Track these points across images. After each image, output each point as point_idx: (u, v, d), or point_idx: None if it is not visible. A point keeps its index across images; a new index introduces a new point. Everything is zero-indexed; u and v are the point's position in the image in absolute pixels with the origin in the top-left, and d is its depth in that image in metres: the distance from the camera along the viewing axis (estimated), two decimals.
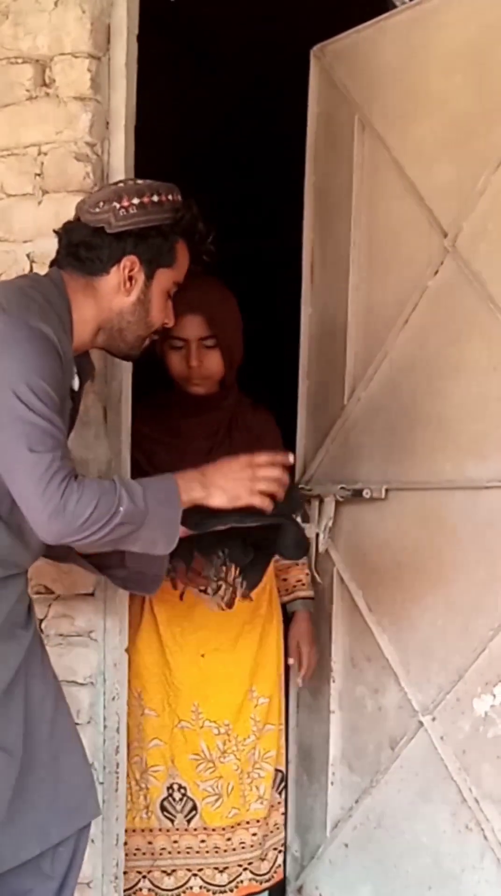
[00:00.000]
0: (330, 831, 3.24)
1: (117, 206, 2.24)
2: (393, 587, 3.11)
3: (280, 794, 3.10)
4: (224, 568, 2.57)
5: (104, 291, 2.28)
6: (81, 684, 2.72)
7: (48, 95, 2.71)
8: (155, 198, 2.27)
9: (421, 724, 3.01)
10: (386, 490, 3.11)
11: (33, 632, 2.38)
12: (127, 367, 2.73)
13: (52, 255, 2.34)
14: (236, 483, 2.25)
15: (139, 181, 2.32)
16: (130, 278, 2.27)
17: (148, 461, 2.89)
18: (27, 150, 2.72)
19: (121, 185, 2.33)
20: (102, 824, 2.73)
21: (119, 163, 2.72)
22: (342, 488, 3.19)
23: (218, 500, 2.24)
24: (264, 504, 2.27)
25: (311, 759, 3.34)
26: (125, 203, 2.25)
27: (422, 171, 3.08)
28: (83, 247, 2.26)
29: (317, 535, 3.27)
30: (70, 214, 2.34)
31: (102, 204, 2.25)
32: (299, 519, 2.65)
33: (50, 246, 2.33)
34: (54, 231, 2.35)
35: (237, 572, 2.55)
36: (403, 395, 3.11)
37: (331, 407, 3.33)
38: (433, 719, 2.98)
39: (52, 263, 2.34)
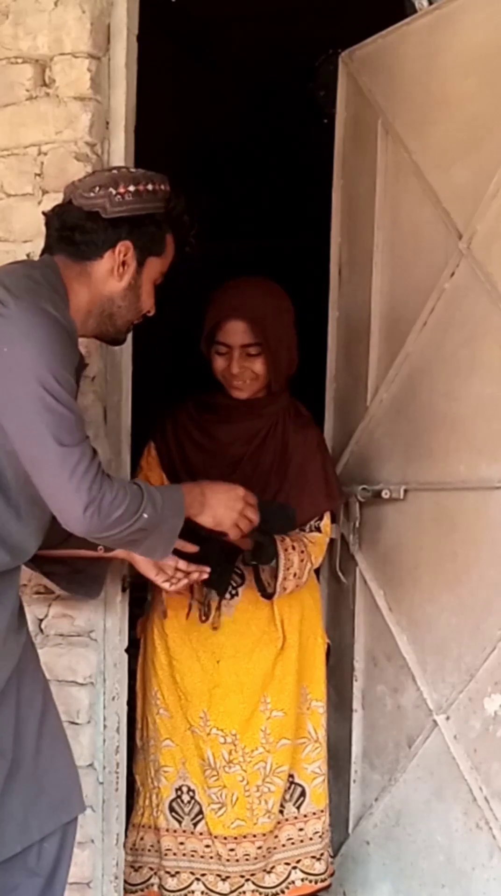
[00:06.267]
0: (352, 829, 3.27)
1: (113, 191, 2.26)
2: (412, 587, 3.13)
3: (298, 808, 2.96)
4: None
5: (97, 276, 2.30)
6: (81, 684, 2.71)
7: (48, 95, 2.72)
8: (149, 186, 2.31)
9: (436, 723, 3.02)
10: (405, 490, 3.13)
11: (26, 631, 2.40)
12: (127, 367, 2.76)
13: None
14: (226, 511, 2.42)
15: (133, 169, 2.36)
16: (124, 263, 2.30)
17: (181, 458, 2.91)
18: (27, 150, 2.74)
19: (115, 171, 2.35)
20: (101, 824, 2.75)
21: (119, 163, 2.73)
22: (363, 489, 3.22)
23: (206, 520, 2.40)
24: (235, 537, 2.50)
25: (336, 757, 3.34)
26: (121, 189, 2.27)
27: (440, 173, 3.09)
28: (78, 231, 2.27)
29: (343, 535, 3.30)
30: None
31: (97, 189, 2.26)
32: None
33: None
34: (43, 213, 2.35)
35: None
36: (422, 396, 3.13)
37: (356, 408, 3.35)
38: (447, 718, 3.00)
39: (44, 250, 2.35)
